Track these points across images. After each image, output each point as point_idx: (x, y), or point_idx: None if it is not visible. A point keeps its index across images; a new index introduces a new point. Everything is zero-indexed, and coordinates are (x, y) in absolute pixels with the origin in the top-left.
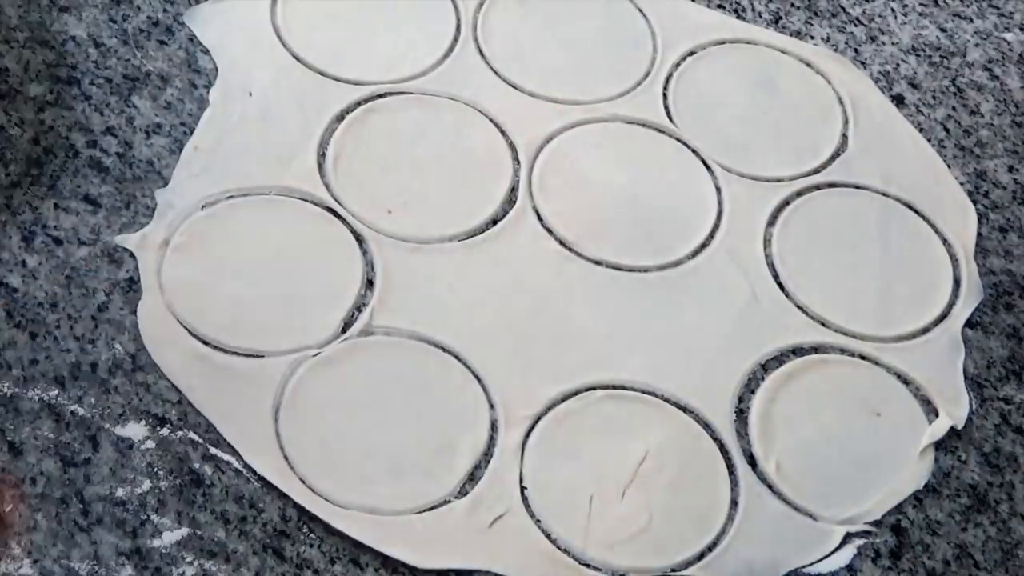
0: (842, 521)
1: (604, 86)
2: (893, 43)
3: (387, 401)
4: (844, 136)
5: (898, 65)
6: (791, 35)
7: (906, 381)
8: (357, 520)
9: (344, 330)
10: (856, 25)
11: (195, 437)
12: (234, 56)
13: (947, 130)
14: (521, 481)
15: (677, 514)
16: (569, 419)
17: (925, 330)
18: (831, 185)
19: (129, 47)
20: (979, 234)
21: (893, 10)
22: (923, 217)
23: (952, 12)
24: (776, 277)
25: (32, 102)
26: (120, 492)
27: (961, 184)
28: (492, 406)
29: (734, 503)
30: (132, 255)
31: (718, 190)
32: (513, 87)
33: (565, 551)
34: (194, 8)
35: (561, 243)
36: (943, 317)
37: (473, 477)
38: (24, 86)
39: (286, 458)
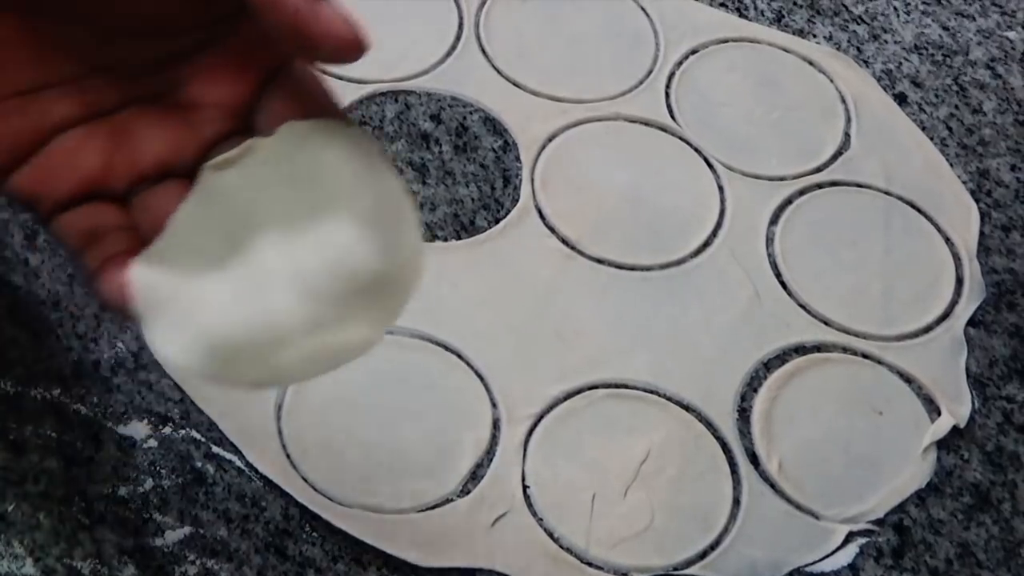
0: (844, 520)
1: (606, 85)
2: (895, 42)
3: (389, 400)
4: (846, 135)
5: (900, 63)
6: (793, 34)
7: (908, 380)
8: (359, 519)
9: None
10: (858, 24)
11: (197, 436)
12: None
13: (950, 128)
14: (523, 480)
15: (679, 513)
16: (571, 418)
17: (928, 329)
18: (833, 184)
19: None
20: (982, 233)
21: (895, 8)
22: (925, 216)
23: (955, 10)
24: (778, 276)
25: None
26: (123, 491)
27: (964, 183)
28: (494, 405)
29: (736, 502)
30: None
31: (720, 189)
32: (515, 85)
33: (567, 550)
34: None
35: (563, 242)
36: (946, 316)
37: (475, 476)
38: None
39: (288, 457)
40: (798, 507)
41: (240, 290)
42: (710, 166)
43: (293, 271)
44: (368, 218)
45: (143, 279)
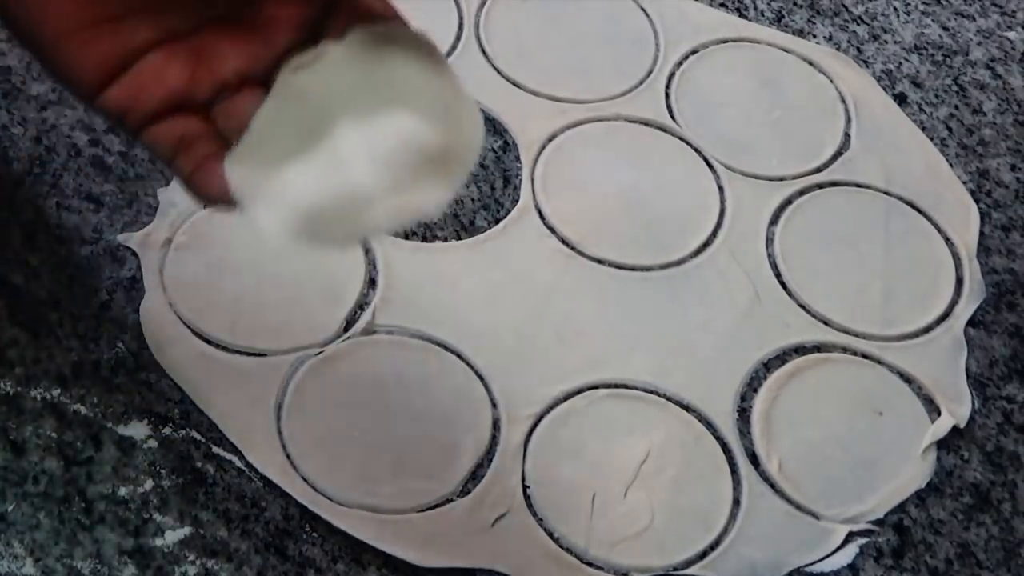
0: (844, 520)
1: (606, 85)
2: (895, 42)
3: (389, 400)
4: (846, 135)
5: (900, 64)
6: (793, 34)
7: (908, 380)
8: (359, 519)
9: (346, 329)
10: (858, 24)
11: (197, 436)
12: None
13: (949, 129)
14: (523, 480)
15: (679, 513)
16: (571, 418)
17: (927, 329)
18: (833, 184)
19: None
20: (981, 233)
21: (895, 9)
22: (925, 216)
23: (954, 11)
24: (778, 276)
25: (34, 100)
26: (122, 491)
27: (963, 183)
28: (494, 405)
29: (736, 502)
30: (134, 254)
31: (720, 189)
32: (515, 85)
33: (567, 550)
34: None
35: (563, 242)
36: (945, 316)
37: (475, 476)
38: (26, 85)
39: (288, 457)
40: (798, 507)
41: (324, 168)
42: (710, 166)
43: (369, 150)
44: (432, 104)
45: (237, 172)
